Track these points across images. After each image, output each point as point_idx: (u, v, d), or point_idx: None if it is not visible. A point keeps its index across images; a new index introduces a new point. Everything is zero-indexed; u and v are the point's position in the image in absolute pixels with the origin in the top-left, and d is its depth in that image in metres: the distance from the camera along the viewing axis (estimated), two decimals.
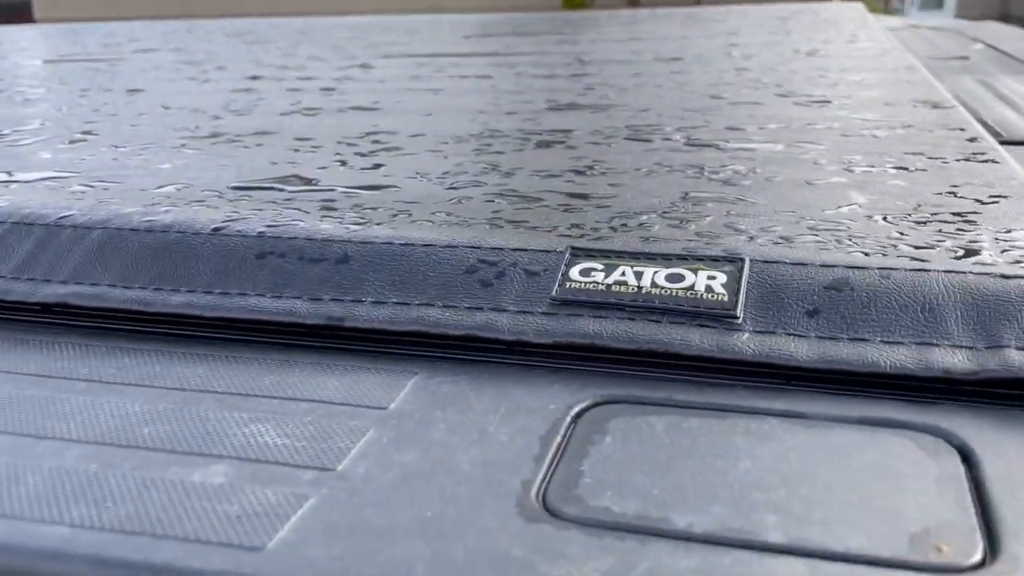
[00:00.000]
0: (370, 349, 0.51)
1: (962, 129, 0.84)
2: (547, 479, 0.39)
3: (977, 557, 0.33)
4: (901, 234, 0.56)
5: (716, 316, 0.47)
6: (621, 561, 0.34)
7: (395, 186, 0.73)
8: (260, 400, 0.46)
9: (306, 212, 0.65)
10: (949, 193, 0.64)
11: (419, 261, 0.53)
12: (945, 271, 0.47)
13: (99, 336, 0.54)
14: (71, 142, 0.95)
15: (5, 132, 1.01)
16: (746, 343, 0.46)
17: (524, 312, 0.49)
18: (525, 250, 0.53)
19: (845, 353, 0.45)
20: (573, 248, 0.52)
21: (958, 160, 0.73)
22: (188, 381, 0.48)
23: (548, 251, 0.53)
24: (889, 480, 0.38)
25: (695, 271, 0.50)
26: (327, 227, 0.58)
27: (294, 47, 1.95)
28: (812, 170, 0.73)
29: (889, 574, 0.32)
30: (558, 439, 0.42)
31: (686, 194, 0.67)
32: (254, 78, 1.44)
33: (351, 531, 0.36)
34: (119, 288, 0.56)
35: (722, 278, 0.49)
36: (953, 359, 0.43)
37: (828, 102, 1.03)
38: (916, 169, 0.71)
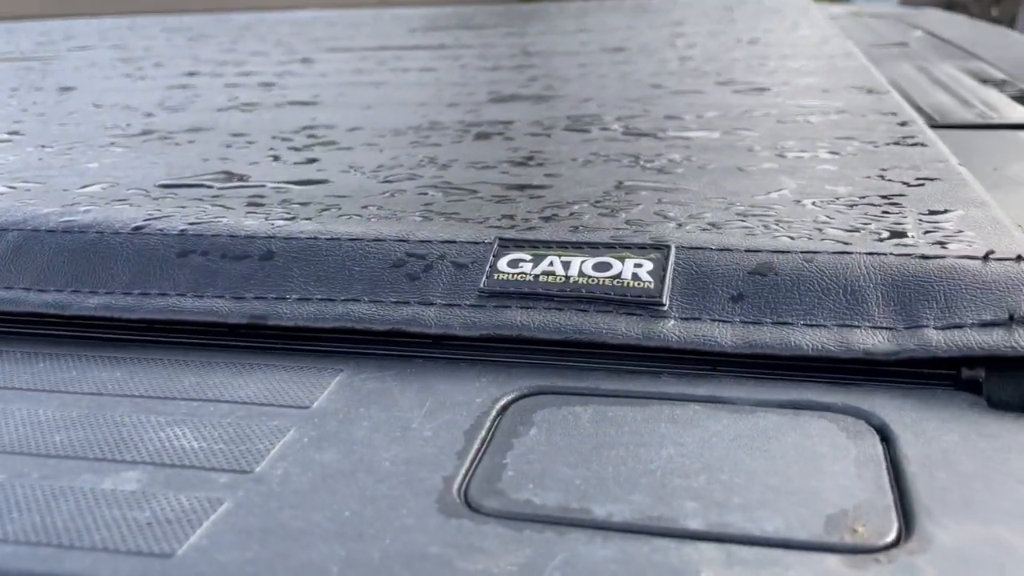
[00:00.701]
0: (294, 347, 0.50)
1: (894, 114, 0.85)
2: (469, 474, 0.38)
3: (891, 537, 0.33)
4: (828, 218, 0.56)
5: (642, 304, 0.47)
6: (539, 553, 0.33)
7: (328, 180, 0.72)
8: (178, 403, 0.45)
9: (231, 209, 0.63)
10: (877, 176, 0.64)
11: (345, 256, 0.52)
12: (867, 253, 0.47)
13: (13, 341, 0.53)
14: None
15: None
16: (671, 330, 0.46)
17: (451, 305, 0.49)
18: (453, 242, 0.52)
19: (768, 337, 0.45)
20: (501, 239, 0.52)
21: (888, 144, 0.74)
22: (104, 385, 0.47)
23: (476, 243, 0.52)
24: (809, 462, 0.38)
25: (622, 259, 0.49)
26: (251, 223, 0.57)
27: (235, 43, 1.92)
28: (745, 157, 0.73)
29: (804, 557, 0.32)
30: (482, 433, 0.41)
31: (620, 183, 0.67)
32: (191, 74, 1.41)
33: (265, 534, 0.35)
34: (34, 292, 0.54)
35: (648, 266, 0.49)
36: (874, 340, 0.43)
37: (766, 89, 1.03)
38: (847, 153, 0.72)
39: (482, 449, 0.40)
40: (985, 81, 1.25)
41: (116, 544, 0.35)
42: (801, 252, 0.48)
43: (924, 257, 0.46)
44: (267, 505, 0.37)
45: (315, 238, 0.54)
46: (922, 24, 1.91)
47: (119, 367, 0.49)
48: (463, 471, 0.38)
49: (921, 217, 0.55)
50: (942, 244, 0.50)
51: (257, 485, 0.38)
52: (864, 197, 0.60)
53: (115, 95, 1.24)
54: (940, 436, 0.39)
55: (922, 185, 0.61)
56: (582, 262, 0.49)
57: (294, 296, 0.51)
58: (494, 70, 1.34)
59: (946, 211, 0.55)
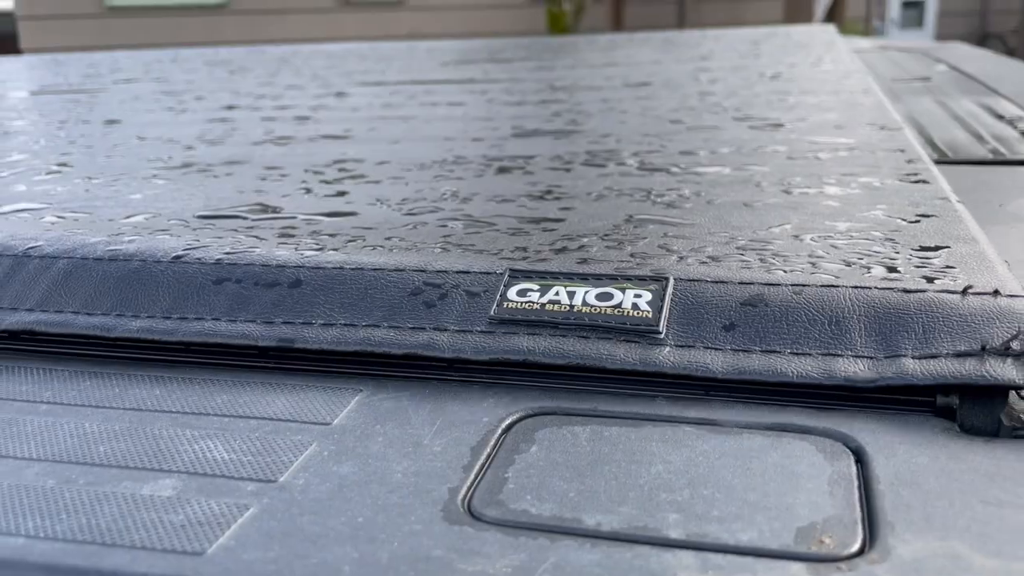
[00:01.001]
0: (319, 368, 0.54)
1: (902, 151, 0.88)
2: (474, 486, 0.42)
3: (855, 548, 0.36)
4: (824, 252, 0.59)
5: (640, 331, 0.50)
6: (531, 557, 0.36)
7: (355, 212, 0.76)
8: (211, 418, 0.49)
9: (264, 239, 0.68)
10: (877, 213, 0.67)
11: (368, 284, 0.56)
12: (853, 287, 0.50)
13: (63, 360, 0.57)
14: (47, 174, 0.98)
15: None
16: (667, 356, 0.49)
17: (464, 331, 0.52)
18: (468, 272, 0.56)
19: (757, 364, 0.48)
20: (512, 270, 0.55)
21: (892, 180, 0.76)
22: (144, 402, 0.51)
23: (489, 273, 0.56)
24: (786, 480, 0.41)
25: (623, 290, 0.53)
26: (282, 253, 0.61)
27: (273, 76, 1.99)
28: (753, 192, 0.76)
29: (772, 564, 0.35)
30: (487, 449, 0.45)
31: (630, 217, 0.70)
32: (230, 108, 1.47)
33: (286, 537, 0.39)
34: (83, 315, 0.58)
35: (647, 296, 0.52)
36: (855, 368, 0.46)
37: (781, 125, 1.06)
38: (850, 190, 0.75)
39: (486, 464, 0.44)
40: (1001, 117, 1.27)
41: (152, 543, 0.39)
42: (791, 285, 0.51)
43: (906, 291, 0.49)
44: (289, 511, 0.41)
45: (340, 268, 0.58)
46: (946, 58, 1.93)
47: (158, 385, 0.53)
48: (468, 483, 0.42)
49: (912, 253, 0.58)
50: (927, 279, 0.53)
51: (280, 493, 0.42)
52: (861, 232, 0.63)
53: (158, 128, 1.30)
54: (911, 458, 0.42)
55: (918, 222, 0.64)
56: (586, 292, 0.53)
57: (319, 321, 0.55)
58: (519, 104, 1.38)
59: (936, 247, 0.58)
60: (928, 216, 0.66)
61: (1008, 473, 0.40)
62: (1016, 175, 0.94)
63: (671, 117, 1.17)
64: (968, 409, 0.44)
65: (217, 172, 0.96)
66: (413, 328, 0.53)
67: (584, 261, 0.60)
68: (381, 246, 0.66)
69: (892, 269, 0.55)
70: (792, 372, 0.47)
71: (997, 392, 0.44)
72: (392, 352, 0.52)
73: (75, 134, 1.27)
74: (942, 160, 1.01)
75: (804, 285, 0.51)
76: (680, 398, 0.48)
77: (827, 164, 0.84)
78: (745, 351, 0.49)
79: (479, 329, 0.52)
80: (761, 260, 0.58)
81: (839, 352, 0.48)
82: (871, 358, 0.47)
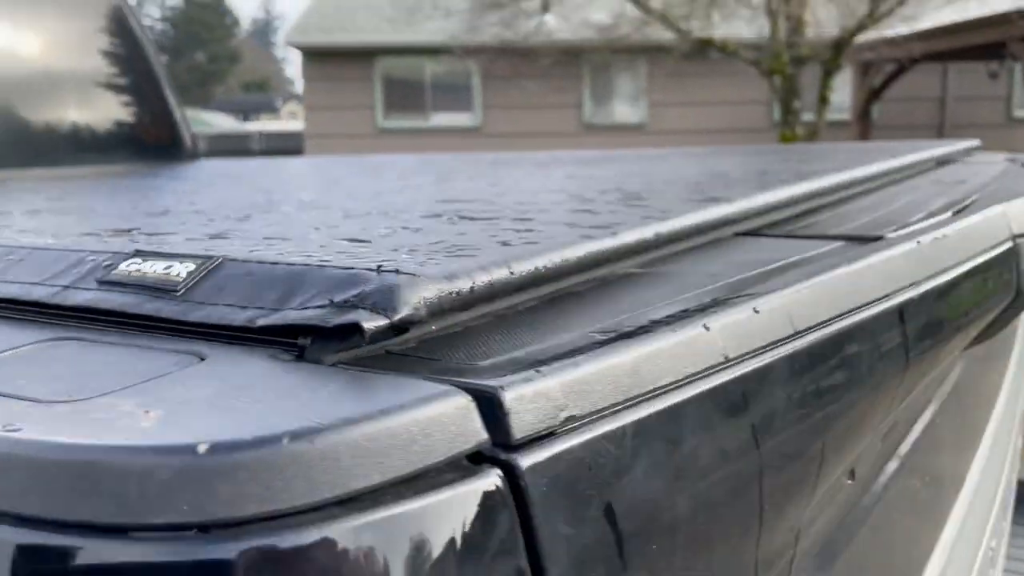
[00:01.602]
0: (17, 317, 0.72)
1: (666, 218, 0.91)
2: None
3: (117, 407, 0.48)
4: (364, 249, 0.70)
5: (164, 289, 0.64)
6: None
7: (223, 236, 0.93)
8: None
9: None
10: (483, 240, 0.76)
11: (59, 258, 0.74)
12: (312, 264, 0.61)
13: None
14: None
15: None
16: (160, 305, 0.62)
17: (74, 288, 0.69)
18: (119, 253, 0.72)
19: (198, 312, 0.60)
20: (137, 251, 0.71)
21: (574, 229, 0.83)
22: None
23: (129, 254, 0.72)
24: (119, 375, 0.53)
25: (183, 263, 0.67)
26: (52, 242, 0.81)
27: (401, 177, 2.25)
28: (483, 227, 0.86)
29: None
30: None
31: (351, 239, 0.83)
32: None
33: None
34: None
35: (192, 267, 0.66)
36: (255, 315, 0.57)
37: (646, 201, 1.12)
38: (517, 239, 0.81)
39: None
40: (960, 212, 1.22)
41: None
42: (271, 263, 0.63)
43: (336, 268, 0.60)
44: None
45: (46, 248, 0.77)
46: None
47: None
48: None
49: (412, 252, 0.68)
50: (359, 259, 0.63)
51: None
52: (424, 245, 0.73)
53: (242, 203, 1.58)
54: (229, 368, 0.53)
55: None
56: (161, 265, 0.67)
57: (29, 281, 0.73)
58: (500, 183, 1.52)
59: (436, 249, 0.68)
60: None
61: (249, 376, 0.51)
62: (821, 247, 0.94)
63: (598, 191, 1.27)
64: (310, 346, 0.54)
65: (216, 217, 1.19)
66: (51, 286, 0.70)
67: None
68: (133, 241, 0.84)
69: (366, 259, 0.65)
70: (214, 316, 0.59)
71: (329, 333, 0.54)
72: (23, 299, 0.70)
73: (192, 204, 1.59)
74: (809, 236, 1.02)
75: (277, 263, 0.63)
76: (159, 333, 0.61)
77: (585, 216, 0.92)
78: (205, 304, 0.61)
79: (82, 287, 0.69)
80: (331, 250, 0.69)
81: (261, 305, 0.59)
82: (274, 310, 0.58)
